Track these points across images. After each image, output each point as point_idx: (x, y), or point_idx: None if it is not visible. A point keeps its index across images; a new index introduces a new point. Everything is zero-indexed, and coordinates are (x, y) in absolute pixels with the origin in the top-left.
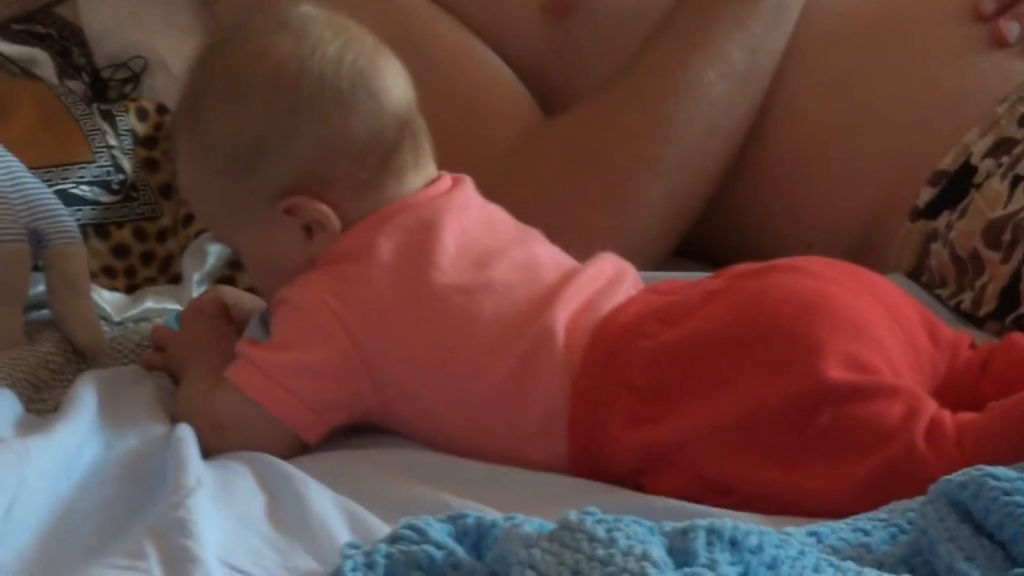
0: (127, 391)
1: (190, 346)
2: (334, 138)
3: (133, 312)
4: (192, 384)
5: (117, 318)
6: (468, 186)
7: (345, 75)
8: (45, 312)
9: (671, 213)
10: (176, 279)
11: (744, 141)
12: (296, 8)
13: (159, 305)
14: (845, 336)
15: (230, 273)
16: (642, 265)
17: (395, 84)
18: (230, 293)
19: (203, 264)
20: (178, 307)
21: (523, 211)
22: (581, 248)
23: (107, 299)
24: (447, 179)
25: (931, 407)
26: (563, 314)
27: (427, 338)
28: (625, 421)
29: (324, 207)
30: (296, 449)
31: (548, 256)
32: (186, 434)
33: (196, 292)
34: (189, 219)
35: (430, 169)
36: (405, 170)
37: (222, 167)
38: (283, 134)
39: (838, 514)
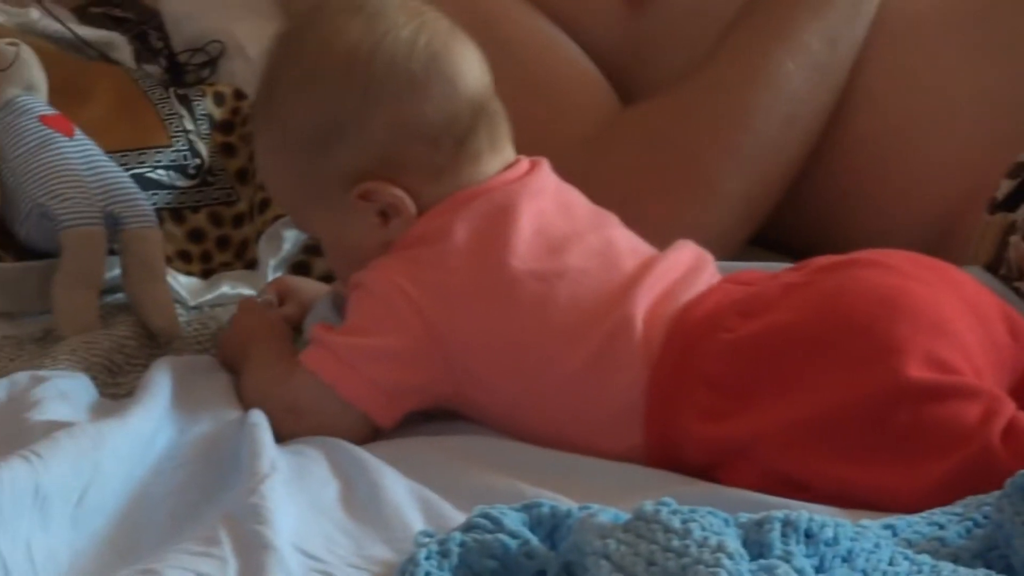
0: (202, 379)
1: (246, 336)
2: (408, 121)
3: (208, 297)
4: (261, 370)
5: (192, 302)
6: (545, 169)
7: (418, 58)
8: (121, 296)
9: (749, 203)
10: (252, 264)
11: (823, 131)
12: None
13: (234, 291)
14: (925, 333)
15: (306, 259)
16: (719, 255)
17: (470, 67)
18: (291, 281)
19: (279, 250)
20: (253, 293)
21: (601, 199)
22: (658, 237)
23: (183, 283)
24: (524, 163)
25: (1009, 408)
26: (643, 303)
27: (501, 324)
28: (701, 415)
29: (399, 191)
30: (370, 434)
31: (625, 241)
32: (260, 419)
33: (272, 277)
34: (265, 204)
35: (507, 153)
36: (481, 154)
37: (298, 152)
38: (356, 118)
39: (913, 513)
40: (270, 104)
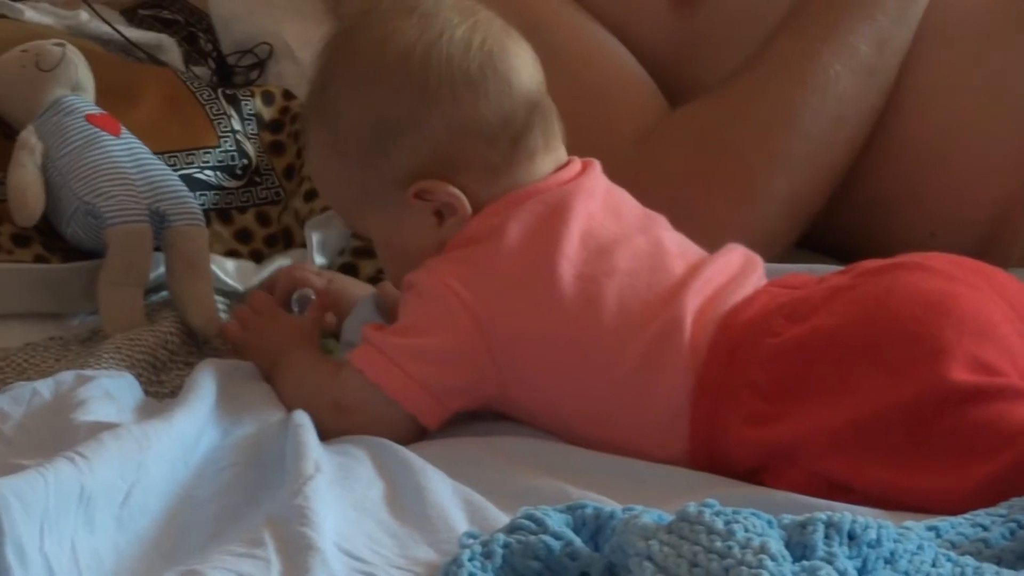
0: (245, 381)
1: (277, 341)
2: (464, 120)
3: (264, 274)
4: (305, 370)
5: (242, 287)
6: (596, 170)
7: (474, 57)
8: (166, 292)
9: (796, 205)
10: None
11: (870, 133)
12: None
13: (285, 262)
14: (970, 337)
15: (353, 261)
16: (766, 256)
17: (525, 66)
18: (340, 282)
19: (323, 237)
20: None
21: (648, 200)
22: (706, 238)
23: (230, 269)
24: (577, 163)
25: None
26: (692, 305)
27: (550, 325)
28: (746, 418)
29: (455, 190)
30: (416, 433)
31: (673, 243)
32: (304, 420)
33: (318, 262)
34: (312, 194)
35: (560, 152)
36: (535, 153)
37: (353, 152)
38: (413, 117)
39: (958, 515)
40: (324, 104)
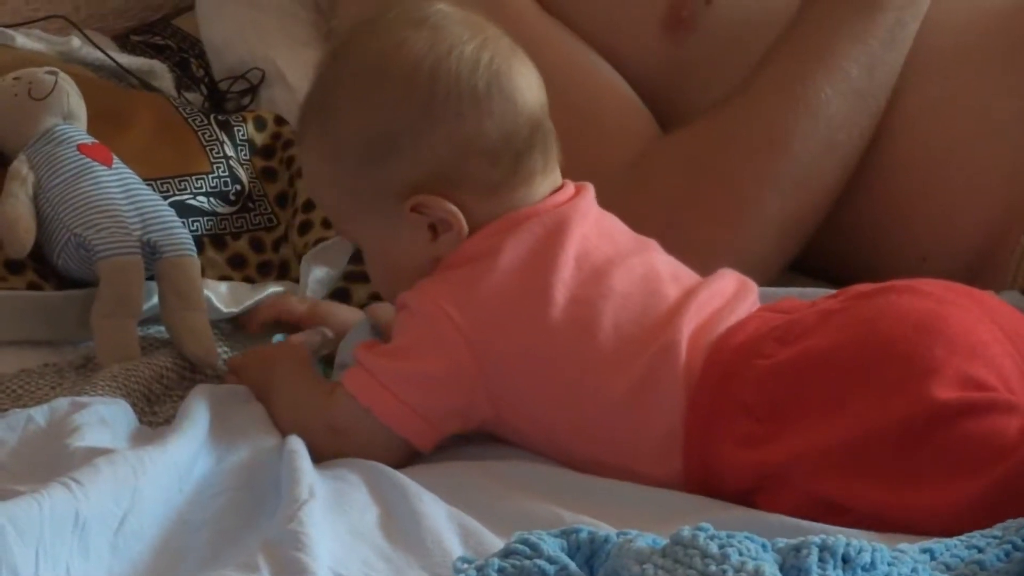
0: (239, 407)
1: (271, 362)
2: (467, 137)
3: (258, 298)
4: (298, 392)
5: (236, 308)
6: (590, 194)
7: (482, 75)
8: (163, 328)
9: (788, 228)
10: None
11: (861, 157)
12: (433, 5)
13: (278, 291)
14: (961, 356)
15: (346, 286)
16: (758, 280)
17: (529, 86)
18: (327, 306)
19: (321, 272)
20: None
21: (640, 225)
22: (698, 262)
23: (223, 292)
24: (570, 187)
25: None
26: (686, 330)
27: (544, 348)
28: (739, 440)
29: (452, 207)
30: (410, 456)
31: (666, 267)
32: (298, 446)
33: (311, 296)
34: (306, 227)
35: (556, 175)
36: (535, 174)
37: (350, 160)
38: (415, 131)
39: (954, 533)
40: (325, 111)
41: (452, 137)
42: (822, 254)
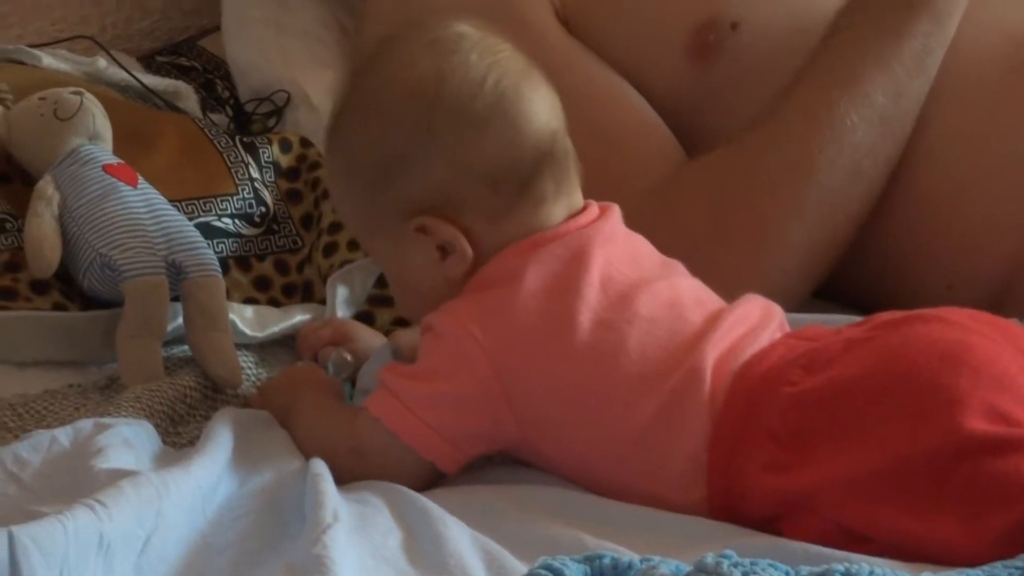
0: (263, 430)
1: (296, 386)
2: (467, 162)
3: (283, 326)
4: (322, 415)
5: (261, 333)
6: (615, 215)
7: (484, 99)
8: (187, 348)
9: (813, 255)
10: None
11: (886, 184)
12: (451, 26)
13: (304, 318)
14: (987, 387)
15: (370, 309)
16: (784, 306)
17: (538, 110)
18: (350, 327)
19: (347, 293)
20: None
21: (665, 250)
22: (723, 288)
23: (248, 315)
24: (594, 208)
25: None
26: (711, 356)
27: (569, 372)
28: (764, 466)
29: (453, 229)
30: (435, 478)
31: (691, 291)
32: (322, 469)
33: (339, 315)
34: (331, 248)
35: (575, 198)
36: (544, 199)
37: (361, 180)
38: (418, 154)
39: (977, 564)
40: (338, 131)
41: (452, 160)
42: (847, 281)
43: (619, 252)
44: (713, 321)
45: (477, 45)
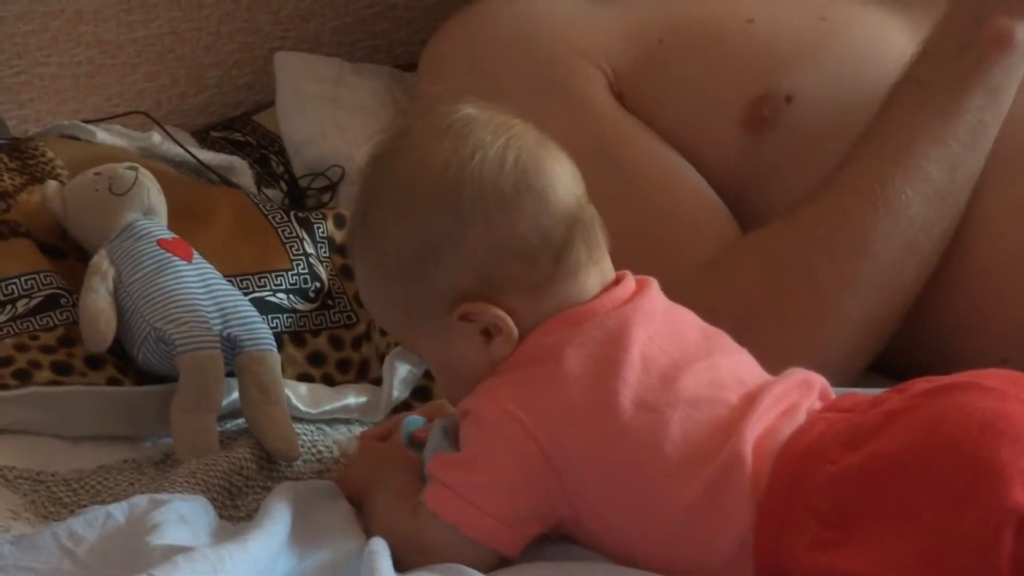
0: (322, 506)
1: (373, 467)
2: (502, 241)
3: (333, 406)
4: (388, 506)
5: (315, 410)
6: (654, 290)
7: (507, 176)
8: (242, 421)
9: (868, 329)
10: (375, 384)
11: (941, 258)
12: (459, 110)
13: (358, 400)
14: None
15: (427, 384)
16: (839, 381)
17: (561, 180)
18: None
19: (407, 370)
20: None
21: (718, 324)
22: (776, 362)
23: (303, 393)
24: (631, 281)
25: None
26: (750, 438)
27: (612, 456)
28: (810, 546)
29: (499, 311)
30: (498, 564)
31: (731, 369)
32: (379, 547)
33: (396, 395)
34: None
35: (605, 263)
36: (580, 267)
37: (396, 276)
38: (451, 240)
39: None
40: (365, 231)
41: (487, 242)
42: (902, 355)
43: (659, 328)
44: (751, 402)
45: (487, 126)
